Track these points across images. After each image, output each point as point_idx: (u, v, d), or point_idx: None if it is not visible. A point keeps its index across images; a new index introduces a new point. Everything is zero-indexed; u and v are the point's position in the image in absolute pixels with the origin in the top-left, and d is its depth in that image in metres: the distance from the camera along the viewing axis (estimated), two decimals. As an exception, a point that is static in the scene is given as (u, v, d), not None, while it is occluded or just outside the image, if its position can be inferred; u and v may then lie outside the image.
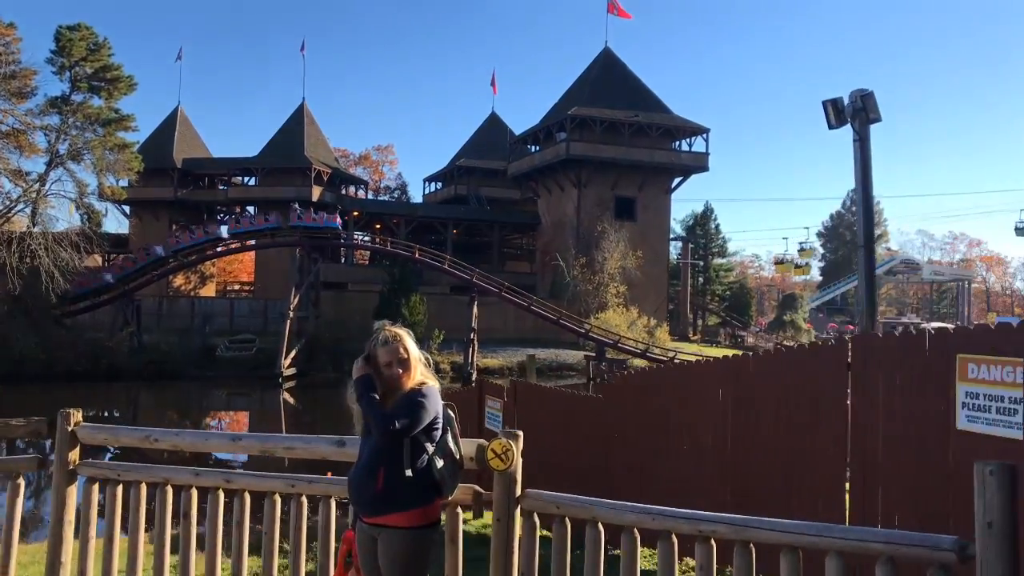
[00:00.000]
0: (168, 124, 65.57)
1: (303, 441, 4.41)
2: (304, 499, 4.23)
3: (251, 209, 65.50)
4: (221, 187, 64.37)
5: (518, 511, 3.85)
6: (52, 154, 39.10)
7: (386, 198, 73.62)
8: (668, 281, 56.05)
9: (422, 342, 21.90)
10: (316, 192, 60.39)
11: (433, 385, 3.57)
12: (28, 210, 38.57)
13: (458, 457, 3.57)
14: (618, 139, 51.59)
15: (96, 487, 4.53)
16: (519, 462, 3.78)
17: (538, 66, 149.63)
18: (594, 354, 40.84)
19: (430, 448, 3.47)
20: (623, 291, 48.71)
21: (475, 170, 64.98)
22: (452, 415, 3.64)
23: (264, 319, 51.06)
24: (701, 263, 71.60)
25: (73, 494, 4.50)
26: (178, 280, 60.78)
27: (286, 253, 56.11)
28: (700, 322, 70.08)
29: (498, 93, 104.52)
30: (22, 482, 4.60)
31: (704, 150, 53.63)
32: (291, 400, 36.70)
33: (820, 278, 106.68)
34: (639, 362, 42.69)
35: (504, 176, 62.43)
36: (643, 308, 48.27)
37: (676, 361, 40.62)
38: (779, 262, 72.11)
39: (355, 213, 58.12)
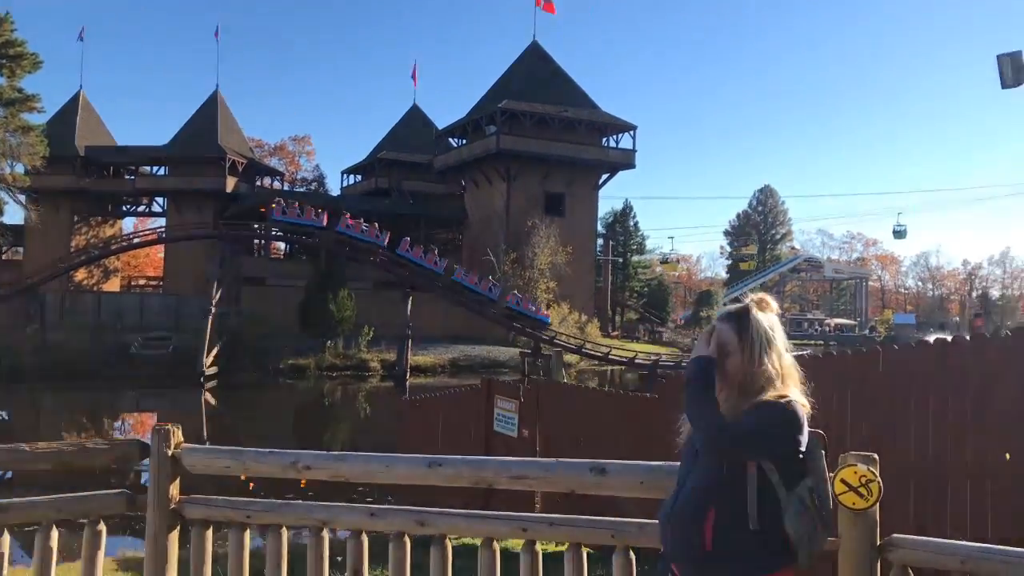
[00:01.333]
0: (69, 109, 61.42)
1: (544, 468, 3.25)
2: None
3: (161, 200, 62.42)
4: (128, 177, 60.82)
5: (878, 566, 2.66)
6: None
7: (303, 190, 71.19)
8: (596, 276, 56.14)
9: (350, 340, 20.70)
10: (231, 183, 57.79)
11: (801, 403, 2.41)
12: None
13: (826, 511, 2.38)
14: (548, 134, 51.24)
15: (210, 533, 3.43)
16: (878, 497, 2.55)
17: (459, 59, 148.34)
18: (529, 351, 40.33)
19: (787, 490, 2.36)
20: (553, 287, 48.47)
21: (397, 163, 63.43)
22: (822, 450, 2.44)
23: (177, 316, 48.41)
24: (620, 260, 72.34)
25: (175, 544, 3.38)
26: (80, 274, 57.03)
27: (197, 246, 53.61)
28: (619, 318, 70.80)
29: (419, 86, 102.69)
30: (103, 529, 3.45)
31: (631, 147, 53.95)
32: (212, 401, 34.76)
33: (727, 275, 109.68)
34: (573, 358, 42.64)
35: (427, 169, 61.22)
36: (573, 304, 48.14)
37: (611, 357, 40.68)
38: (664, 261, 74.35)
39: (272, 205, 55.97)
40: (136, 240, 44.02)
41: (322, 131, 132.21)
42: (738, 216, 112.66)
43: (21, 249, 60.16)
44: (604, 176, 55.02)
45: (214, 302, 37.73)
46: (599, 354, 40.73)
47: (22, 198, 35.20)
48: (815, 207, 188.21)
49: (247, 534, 3.36)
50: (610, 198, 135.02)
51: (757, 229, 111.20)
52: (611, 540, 3.03)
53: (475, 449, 11.02)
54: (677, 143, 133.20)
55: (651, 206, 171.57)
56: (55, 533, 3.38)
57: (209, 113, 61.64)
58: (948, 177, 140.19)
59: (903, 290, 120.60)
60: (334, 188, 71.19)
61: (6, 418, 29.89)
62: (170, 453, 3.27)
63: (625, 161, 53.92)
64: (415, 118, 69.63)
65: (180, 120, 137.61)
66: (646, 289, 73.21)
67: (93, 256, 44.87)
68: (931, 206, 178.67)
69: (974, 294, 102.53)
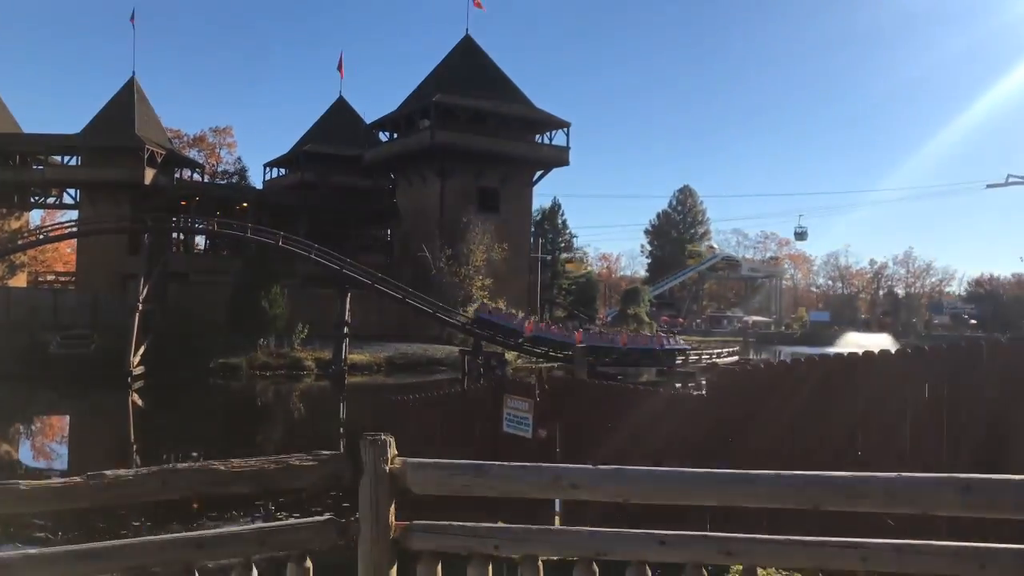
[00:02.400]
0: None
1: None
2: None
3: (72, 192, 59.21)
4: (36, 167, 57.41)
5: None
6: None
7: (223, 183, 68.65)
8: (530, 274, 55.97)
9: (283, 338, 19.78)
10: (149, 175, 55.20)
11: None
12: None
13: None
14: (482, 129, 50.79)
15: (439, 569, 2.88)
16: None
17: (387, 52, 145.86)
18: (469, 348, 39.84)
19: None
20: (488, 284, 48.10)
21: (323, 156, 61.73)
22: None
23: (94, 313, 45.98)
24: (548, 257, 72.44)
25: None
26: (-17, 269, 53.57)
27: (112, 241, 51.04)
28: (548, 315, 70.90)
29: (345, 78, 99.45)
30: (310, 567, 2.90)
31: (566, 144, 53.99)
32: (140, 402, 33.03)
33: (647, 274, 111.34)
34: (510, 355, 42.30)
35: (354, 163, 59.92)
36: (508, 301, 47.84)
37: (552, 354, 40.51)
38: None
39: (196, 199, 53.91)
40: (42, 236, 41.24)
41: (244, 123, 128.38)
42: (658, 215, 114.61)
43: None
44: (538, 173, 54.91)
45: (141, 298, 35.80)
46: (538, 351, 40.54)
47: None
48: (730, 207, 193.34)
49: (490, 569, 2.83)
50: (537, 195, 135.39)
51: (676, 228, 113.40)
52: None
53: (482, 452, 10.56)
54: (599, 142, 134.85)
55: (572, 204, 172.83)
56: (255, 574, 2.81)
57: (125, 101, 58.72)
58: (855, 179, 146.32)
59: (814, 288, 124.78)
60: (256, 181, 68.96)
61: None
62: (388, 468, 2.73)
63: (559, 158, 53.94)
64: (342, 111, 67.99)
65: (93, 108, 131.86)
66: (573, 287, 73.53)
67: (8, 249, 42.16)
68: (838, 208, 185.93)
69: (880, 292, 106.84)
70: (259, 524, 2.92)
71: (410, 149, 52.39)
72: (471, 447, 10.71)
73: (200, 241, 60.05)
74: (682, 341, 48.05)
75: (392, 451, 2.82)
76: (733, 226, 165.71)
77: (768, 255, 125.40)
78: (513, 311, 42.79)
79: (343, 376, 38.01)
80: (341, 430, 28.04)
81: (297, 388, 36.53)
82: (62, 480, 2.80)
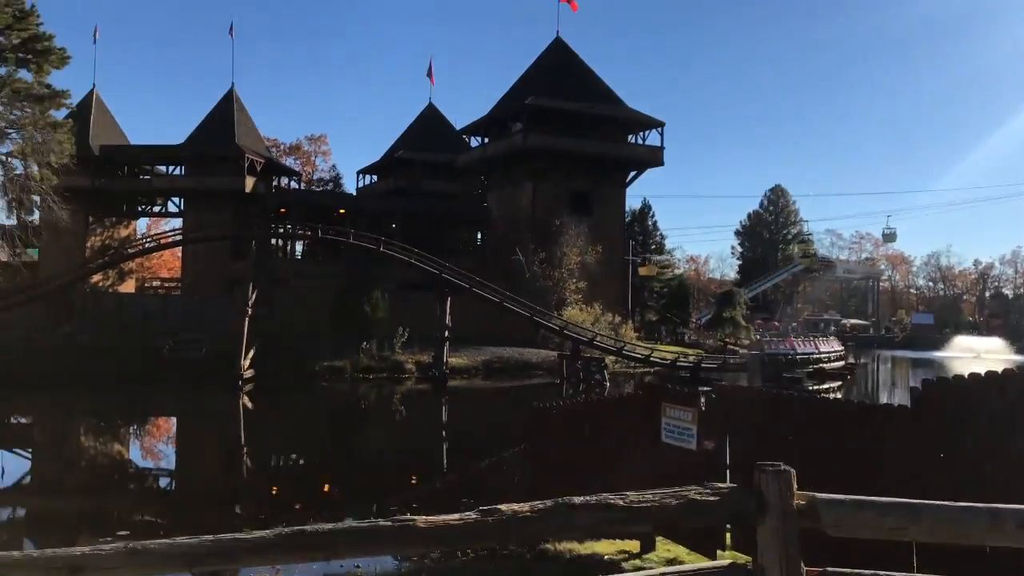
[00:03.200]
0: (83, 108, 60.17)
1: None
2: None
3: (176, 200, 61.37)
4: (143, 177, 59.75)
5: None
6: (-28, 133, 34.81)
7: (319, 190, 70.20)
8: (625, 277, 55.16)
9: (383, 341, 19.77)
10: (249, 183, 56.86)
11: None
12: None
13: None
14: (574, 131, 50.39)
15: None
16: None
17: (475, 57, 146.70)
18: (568, 352, 39.42)
19: None
20: (582, 287, 47.61)
21: (414, 162, 62.47)
22: None
23: (200, 317, 47.46)
24: (639, 259, 71.40)
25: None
26: (95, 276, 55.94)
27: (215, 249, 52.67)
28: (639, 319, 69.88)
29: (435, 84, 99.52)
30: None
31: (659, 144, 53.11)
32: (249, 405, 33.75)
33: (738, 276, 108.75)
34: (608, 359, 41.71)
35: (444, 168, 60.37)
36: (603, 305, 47.29)
37: (653, 359, 39.75)
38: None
39: (293, 206, 54.97)
40: (169, 240, 42.96)
41: (338, 130, 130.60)
42: (749, 216, 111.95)
43: (31, 251, 59.07)
44: (632, 174, 54.15)
45: (250, 303, 36.64)
46: (639, 356, 39.82)
47: (55, 198, 34.04)
48: (824, 207, 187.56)
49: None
50: (627, 197, 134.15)
51: (768, 228, 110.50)
52: None
53: (638, 464, 10.14)
54: (685, 140, 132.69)
55: (658, 205, 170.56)
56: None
57: (225, 112, 60.66)
58: (954, 177, 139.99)
59: (914, 290, 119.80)
60: (350, 188, 70.26)
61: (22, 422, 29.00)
62: (795, 505, 2.34)
63: (653, 158, 53.10)
64: (431, 117, 68.70)
65: (193, 119, 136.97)
66: (665, 290, 72.25)
67: (124, 256, 44.26)
68: (937, 207, 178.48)
69: (987, 293, 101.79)
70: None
71: (502, 153, 52.37)
72: (623, 460, 10.30)
73: (296, 247, 61.47)
74: (835, 343, 47.10)
75: (793, 487, 2.42)
76: (826, 226, 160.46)
77: (864, 256, 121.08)
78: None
79: (445, 380, 38.12)
80: (443, 433, 28.07)
81: (399, 391, 36.80)
82: (458, 516, 2.53)
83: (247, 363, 36.04)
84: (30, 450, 23.97)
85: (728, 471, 9.17)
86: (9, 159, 35.65)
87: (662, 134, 53.07)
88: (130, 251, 48.08)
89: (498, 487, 18.30)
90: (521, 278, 47.01)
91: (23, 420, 30.07)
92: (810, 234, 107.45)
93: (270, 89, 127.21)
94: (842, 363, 44.77)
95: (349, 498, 17.31)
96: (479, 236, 61.70)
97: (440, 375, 38.21)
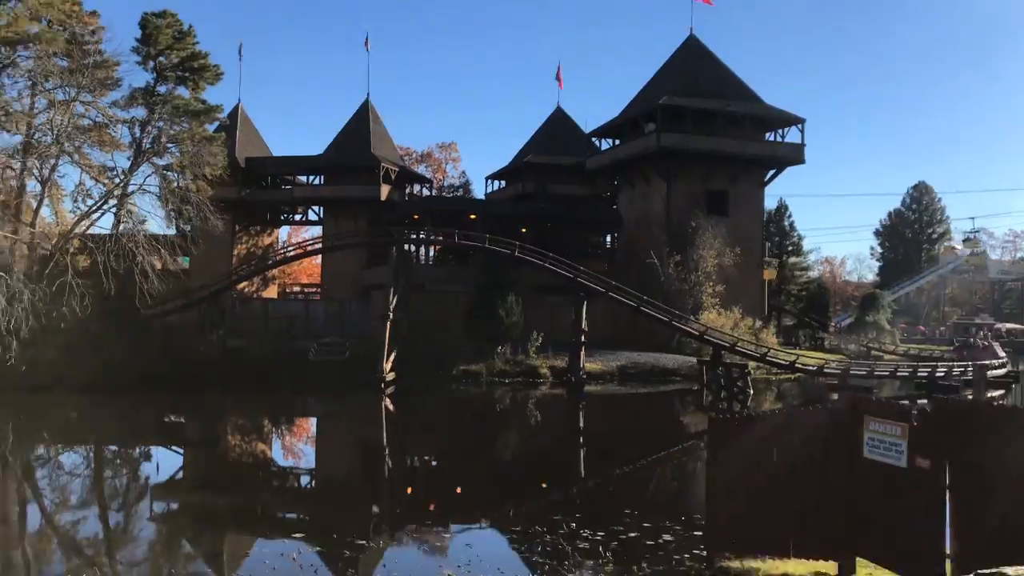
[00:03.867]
0: (228, 122, 63.51)
1: None
2: None
3: (316, 209, 63.65)
4: (285, 187, 62.33)
5: None
6: (137, 148, 37.08)
7: (449, 196, 71.36)
8: (762, 280, 53.17)
9: (517, 345, 19.30)
10: (384, 191, 58.34)
11: None
12: (113, 208, 36.58)
13: None
14: (710, 129, 48.95)
15: None
16: None
17: (599, 60, 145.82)
18: (708, 358, 38.21)
19: None
20: (720, 291, 46.15)
21: (542, 166, 62.44)
22: None
23: (341, 322, 49.01)
24: (776, 261, 68.78)
25: None
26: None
27: (353, 256, 54.35)
28: (776, 323, 67.28)
29: (563, 87, 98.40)
30: None
31: (800, 140, 50.93)
32: (391, 406, 34.43)
33: (877, 278, 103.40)
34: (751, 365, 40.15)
35: (573, 172, 59.97)
36: (741, 308, 45.72)
37: (798, 365, 37.95)
38: (966, 240, 70.80)
39: (426, 212, 55.90)
40: (292, 253, 44.53)
41: (467, 136, 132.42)
42: (890, 215, 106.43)
43: (182, 259, 62.60)
44: (770, 172, 52.16)
45: (391, 308, 37.40)
46: (784, 362, 38.14)
47: (211, 208, 35.82)
48: (974, 204, 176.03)
49: None
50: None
51: (911, 228, 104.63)
52: None
53: (834, 478, 9.39)
54: (821, 136, 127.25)
55: (794, 204, 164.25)
56: None
57: (361, 122, 62.48)
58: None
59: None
60: (479, 193, 71.04)
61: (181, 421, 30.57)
62: None
63: (794, 156, 50.96)
64: (559, 120, 68.50)
65: (330, 128, 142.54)
66: (803, 292, 69.26)
67: (276, 262, 46.72)
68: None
69: None
70: None
71: (634, 154, 51.53)
72: (816, 474, 9.56)
73: (423, 253, 62.57)
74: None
75: None
76: (977, 224, 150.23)
77: (1019, 255, 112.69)
78: None
79: (582, 385, 37.73)
80: (581, 439, 27.64)
81: (533, 395, 36.67)
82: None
83: (388, 366, 36.78)
84: (183, 448, 25.24)
85: (947, 492, 8.34)
86: (169, 172, 37.80)
87: (802, 131, 50.88)
88: (290, 254, 50.09)
89: (634, 494, 17.91)
90: (655, 281, 46.03)
91: (177, 419, 31.79)
92: (976, 231, 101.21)
93: (402, 98, 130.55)
94: (1004, 370, 41.55)
95: (481, 500, 17.30)
96: (608, 239, 61.07)
97: (576, 380, 37.82)
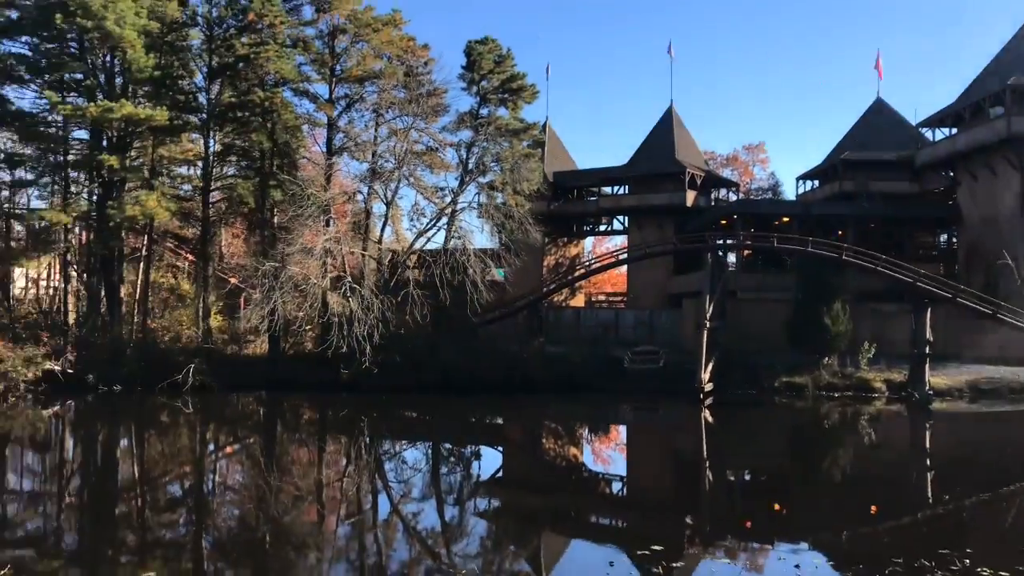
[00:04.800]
0: (537, 139, 66.35)
1: None
2: None
3: (621, 218, 64.36)
4: (590, 199, 63.71)
5: None
6: (464, 169, 39.75)
7: (758, 199, 68.53)
8: None
9: (845, 357, 19.84)
10: (690, 197, 57.33)
11: None
12: (444, 225, 39.50)
13: None
14: (1076, 108, 41.99)
15: None
16: None
17: (922, 44, 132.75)
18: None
19: None
20: (1095, 295, 39.28)
21: (862, 163, 57.56)
22: None
23: (650, 329, 48.84)
24: None
25: None
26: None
27: (658, 264, 54.02)
28: None
29: (883, 78, 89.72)
30: None
31: None
32: (710, 418, 33.39)
33: None
34: None
35: (896, 168, 54.54)
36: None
37: None
38: None
39: (733, 216, 54.04)
40: (615, 258, 45.30)
41: (775, 137, 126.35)
42: None
43: (497, 271, 66.26)
44: None
45: (708, 316, 36.46)
46: None
47: (531, 221, 37.46)
48: None
49: None
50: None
51: None
52: None
53: None
54: None
55: None
56: None
57: (665, 129, 62.07)
58: None
59: None
60: (789, 195, 67.33)
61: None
62: None
63: None
64: (879, 113, 62.82)
65: (628, 139, 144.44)
66: None
67: (593, 270, 48.95)
68: None
69: None
70: None
71: (978, 142, 45.67)
72: None
73: (731, 259, 60.51)
74: None
75: None
76: None
77: None
78: None
79: (929, 401, 34.00)
80: (927, 462, 24.59)
81: (866, 411, 33.61)
82: None
83: (706, 376, 35.81)
84: (502, 448, 26.69)
85: None
86: (492, 190, 40.11)
87: None
88: (605, 263, 51.22)
89: (993, 529, 15.47)
90: (1007, 285, 40.37)
91: (499, 421, 33.44)
92: None
93: (705, 102, 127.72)
94: None
95: (802, 522, 16.14)
96: (942, 239, 54.92)
97: (922, 396, 34.10)
